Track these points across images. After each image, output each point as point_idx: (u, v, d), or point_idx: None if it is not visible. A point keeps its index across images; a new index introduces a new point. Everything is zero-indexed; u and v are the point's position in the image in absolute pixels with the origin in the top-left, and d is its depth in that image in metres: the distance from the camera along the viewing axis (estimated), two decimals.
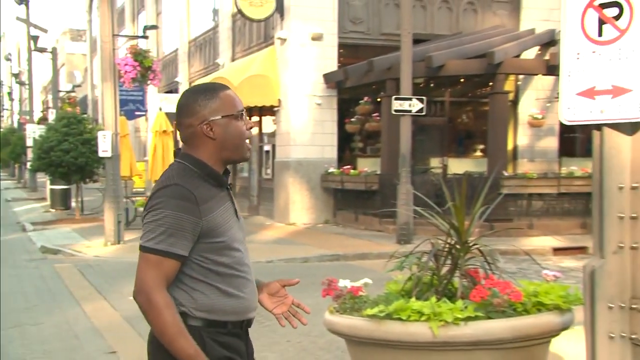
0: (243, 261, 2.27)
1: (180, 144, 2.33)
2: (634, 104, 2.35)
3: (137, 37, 17.79)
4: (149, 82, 13.64)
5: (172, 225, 2.10)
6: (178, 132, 2.32)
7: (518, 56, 14.54)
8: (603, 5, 2.36)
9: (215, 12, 21.21)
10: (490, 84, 14.68)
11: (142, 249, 2.13)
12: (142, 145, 29.01)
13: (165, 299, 2.09)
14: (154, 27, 19.23)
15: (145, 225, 2.15)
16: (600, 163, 2.56)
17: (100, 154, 12.74)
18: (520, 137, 16.14)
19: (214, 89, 2.27)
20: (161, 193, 2.15)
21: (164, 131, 16.23)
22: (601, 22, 2.38)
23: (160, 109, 16.56)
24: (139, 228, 14.38)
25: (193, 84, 15.57)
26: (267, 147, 17.67)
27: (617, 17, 2.33)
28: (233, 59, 19.34)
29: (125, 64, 12.94)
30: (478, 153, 17.01)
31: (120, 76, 13.17)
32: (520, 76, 15.61)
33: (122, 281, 8.87)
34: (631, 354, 2.49)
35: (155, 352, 2.22)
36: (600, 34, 2.39)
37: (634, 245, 2.49)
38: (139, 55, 12.98)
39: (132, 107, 20.58)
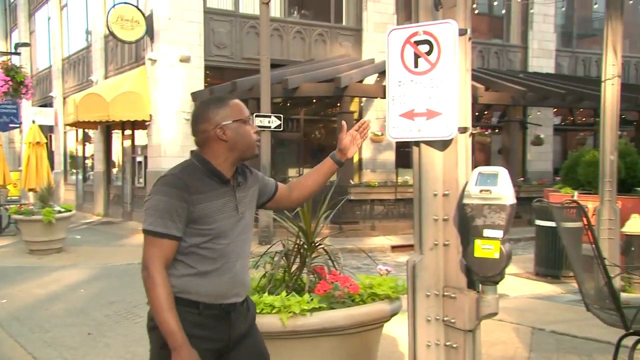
0: (225, 252, 2.28)
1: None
2: (443, 125, 2.50)
3: (9, 53, 16.57)
4: (22, 96, 12.73)
5: (163, 209, 2.19)
6: (194, 138, 2.39)
7: (361, 81, 15.06)
8: (418, 42, 2.50)
9: (89, 32, 20.19)
10: (338, 104, 15.09)
11: (143, 231, 2.24)
12: (17, 155, 27.00)
13: (160, 276, 2.17)
14: (26, 44, 18.05)
15: (145, 210, 2.26)
16: (419, 174, 2.68)
17: None
18: (364, 151, 16.70)
19: (224, 99, 2.36)
20: (159, 182, 2.27)
21: (38, 142, 15.15)
22: (417, 56, 2.51)
23: (34, 122, 15.48)
24: (12, 234, 13.45)
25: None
26: (139, 159, 17.06)
27: (429, 53, 2.47)
28: (106, 77, 18.51)
29: None
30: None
31: None
32: (363, 98, 16.19)
33: None
34: (444, 333, 2.63)
35: (151, 329, 2.30)
36: (416, 66, 2.52)
37: (446, 242, 2.63)
38: (10, 71, 12.11)
39: (5, 119, 19.08)
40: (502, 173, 2.42)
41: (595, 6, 19.73)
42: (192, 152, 2.40)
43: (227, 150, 2.32)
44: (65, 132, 22.76)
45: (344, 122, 2.72)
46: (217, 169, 2.31)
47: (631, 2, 19.99)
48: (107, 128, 18.95)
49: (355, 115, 15.89)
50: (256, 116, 12.37)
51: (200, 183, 2.26)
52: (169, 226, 2.20)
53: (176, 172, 2.29)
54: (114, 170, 19.38)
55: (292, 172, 16.68)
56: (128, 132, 17.85)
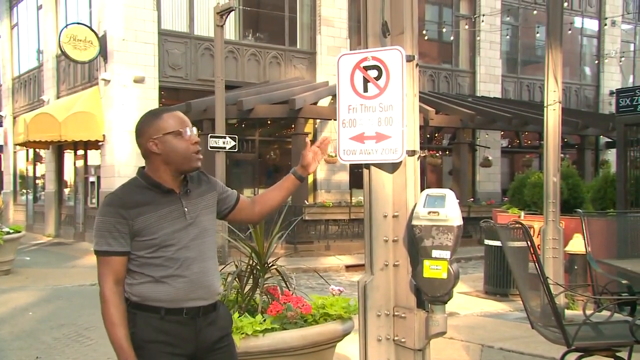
0: (176, 258, 2.29)
1: None
2: (392, 148, 2.53)
3: None
4: None
5: (103, 228, 2.26)
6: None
7: (315, 103, 15.18)
8: (367, 67, 2.53)
9: (40, 52, 19.77)
10: (293, 126, 15.15)
11: (94, 252, 2.30)
12: None
13: (110, 292, 2.25)
14: None
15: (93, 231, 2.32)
16: (370, 195, 2.70)
17: None
18: (319, 171, 16.76)
19: (160, 112, 2.37)
20: (101, 202, 2.35)
21: None
22: (366, 81, 2.54)
23: None
24: None
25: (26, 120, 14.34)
26: (92, 179, 16.71)
27: (378, 78, 2.51)
28: (58, 96, 18.11)
29: None
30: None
31: None
32: (318, 120, 16.30)
33: None
34: (394, 353, 2.64)
35: None
36: (365, 90, 2.55)
37: (396, 263, 2.65)
38: None
39: None
40: (449, 195, 2.47)
41: (538, 35, 20.47)
42: (139, 168, 2.45)
43: (162, 163, 2.34)
44: (15, 152, 22.13)
45: (307, 139, 2.76)
46: (156, 181, 2.34)
47: (570, 32, 20.83)
48: (59, 148, 18.51)
49: (310, 137, 15.97)
50: (211, 137, 12.28)
51: (140, 196, 2.30)
52: (111, 244, 2.26)
53: (116, 190, 2.35)
54: (66, 191, 18.90)
55: (247, 192, 16.58)
56: (81, 152, 17.47)
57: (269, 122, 16.68)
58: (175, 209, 2.34)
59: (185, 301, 2.32)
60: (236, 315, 3.37)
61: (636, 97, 8.92)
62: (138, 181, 2.37)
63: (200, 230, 2.38)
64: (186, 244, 2.33)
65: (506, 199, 13.53)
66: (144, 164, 2.43)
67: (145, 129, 2.35)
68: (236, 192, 2.72)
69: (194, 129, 2.46)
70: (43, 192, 19.94)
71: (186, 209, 2.36)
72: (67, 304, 8.43)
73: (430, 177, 19.23)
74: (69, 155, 18.54)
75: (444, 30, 19.69)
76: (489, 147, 19.47)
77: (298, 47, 17.53)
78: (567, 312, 6.69)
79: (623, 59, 23.29)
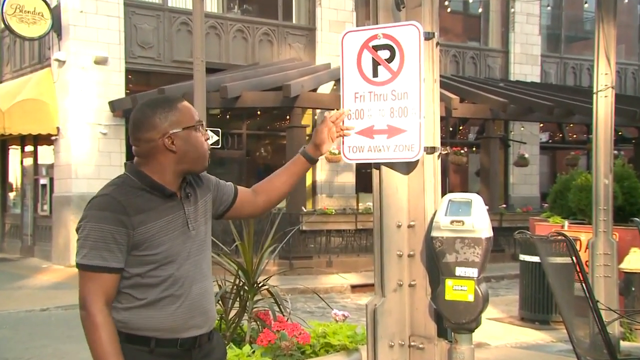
0: (176, 277, 2.29)
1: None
2: (408, 144, 2.55)
3: None
4: None
5: (97, 238, 2.20)
6: (134, 148, 2.38)
7: (314, 90, 15.20)
8: (377, 47, 2.55)
9: None
10: (288, 117, 15.18)
11: (77, 265, 2.24)
12: None
13: (102, 315, 2.19)
14: None
15: (77, 241, 2.26)
16: (380, 201, 2.72)
17: None
18: (319, 172, 16.79)
19: (172, 101, 2.37)
20: (89, 205, 2.28)
21: None
22: (376, 63, 2.56)
23: None
24: None
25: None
26: (43, 181, 16.71)
27: (390, 60, 2.53)
28: (1, 81, 18.16)
29: None
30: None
31: None
32: (317, 110, 16.33)
33: None
34: None
35: None
36: (375, 75, 2.57)
37: (412, 283, 2.67)
38: None
39: None
40: (476, 201, 2.49)
41: (586, 5, 20.48)
42: (126, 164, 2.42)
43: (174, 162, 2.34)
44: None
45: (327, 113, 2.75)
46: (158, 183, 2.32)
47: (626, 1, 20.84)
48: (3, 143, 18.53)
49: (308, 130, 15.99)
50: None
51: (140, 200, 2.28)
52: (106, 257, 2.21)
53: (109, 191, 2.29)
54: (11, 195, 18.91)
55: None
56: (29, 148, 17.47)
57: (258, 112, 16.69)
58: (176, 217, 2.34)
59: (182, 331, 2.31)
60: None
61: None
62: (131, 181, 2.33)
63: (200, 242, 2.40)
64: (186, 260, 2.33)
65: (546, 205, 13.54)
66: (110, 163, 2.43)
67: (157, 121, 2.31)
68: (232, 184, 2.72)
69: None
70: None
71: (189, 218, 2.37)
72: (12, 333, 8.43)
73: (453, 178, 19.24)
74: (14, 152, 18.55)
75: (471, 1, 19.73)
76: (525, 143, 19.50)
77: (294, 22, 17.55)
78: (623, 343, 6.70)
79: None
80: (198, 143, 2.37)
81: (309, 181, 16.23)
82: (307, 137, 15.67)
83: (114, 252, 2.21)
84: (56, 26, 14.79)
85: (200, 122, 2.39)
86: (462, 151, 18.03)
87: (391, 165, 2.65)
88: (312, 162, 2.70)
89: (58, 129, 15.16)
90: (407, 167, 2.64)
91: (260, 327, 3.74)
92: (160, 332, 2.28)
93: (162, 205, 2.32)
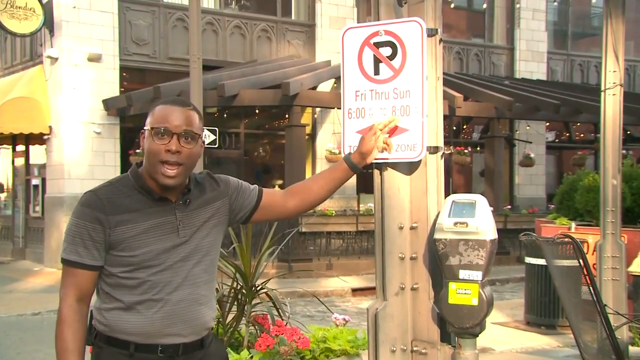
0: (156, 281, 2.28)
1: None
2: (410, 143, 2.55)
3: None
4: None
5: (75, 233, 2.26)
6: None
7: (314, 88, 15.21)
8: (378, 44, 2.55)
9: None
10: (287, 116, 15.18)
11: (61, 259, 2.30)
12: None
13: (68, 311, 2.23)
14: None
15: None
16: (382, 202, 2.73)
17: None
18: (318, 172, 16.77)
19: (165, 101, 2.38)
20: (79, 201, 2.32)
21: None
22: (377, 61, 2.56)
23: None
24: None
25: None
26: (35, 181, 16.73)
27: (392, 57, 2.54)
28: None
29: None
30: (275, 188, 17.41)
31: None
32: (317, 109, 16.33)
33: None
34: None
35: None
36: (377, 73, 2.58)
37: (414, 286, 2.67)
38: None
39: None
40: (481, 202, 2.49)
41: (594, 0, 20.49)
42: (137, 163, 2.43)
43: (144, 161, 2.36)
44: None
45: (375, 121, 2.60)
46: (148, 185, 2.33)
47: None
48: None
49: (308, 129, 16.01)
50: None
51: (127, 199, 2.30)
52: (81, 254, 2.26)
53: (97, 188, 2.35)
54: (2, 196, 18.93)
55: None
56: (21, 147, 17.49)
57: (257, 111, 16.70)
58: (166, 222, 2.32)
59: (160, 336, 2.30)
60: None
61: None
62: (128, 180, 2.35)
63: (192, 249, 2.36)
64: (171, 265, 2.32)
65: (552, 206, 13.56)
66: (103, 163, 2.45)
67: (148, 118, 2.37)
68: (257, 187, 2.63)
69: (198, 139, 2.37)
70: None
71: (180, 224, 2.34)
72: (3, 338, 8.43)
73: (457, 179, 19.25)
74: (5, 152, 18.57)
75: None
76: (530, 142, 19.51)
77: (293, 18, 17.56)
78: (632, 348, 6.70)
79: None
80: (149, 150, 2.29)
81: None
82: (306, 137, 15.69)
83: (89, 248, 2.26)
84: (48, 22, 14.80)
85: (160, 128, 2.29)
86: (466, 151, 18.02)
87: (393, 166, 2.66)
88: (355, 170, 2.61)
89: (50, 128, 15.16)
90: (409, 167, 2.64)
91: (258, 331, 3.75)
92: (138, 336, 2.28)
93: (150, 208, 2.31)
